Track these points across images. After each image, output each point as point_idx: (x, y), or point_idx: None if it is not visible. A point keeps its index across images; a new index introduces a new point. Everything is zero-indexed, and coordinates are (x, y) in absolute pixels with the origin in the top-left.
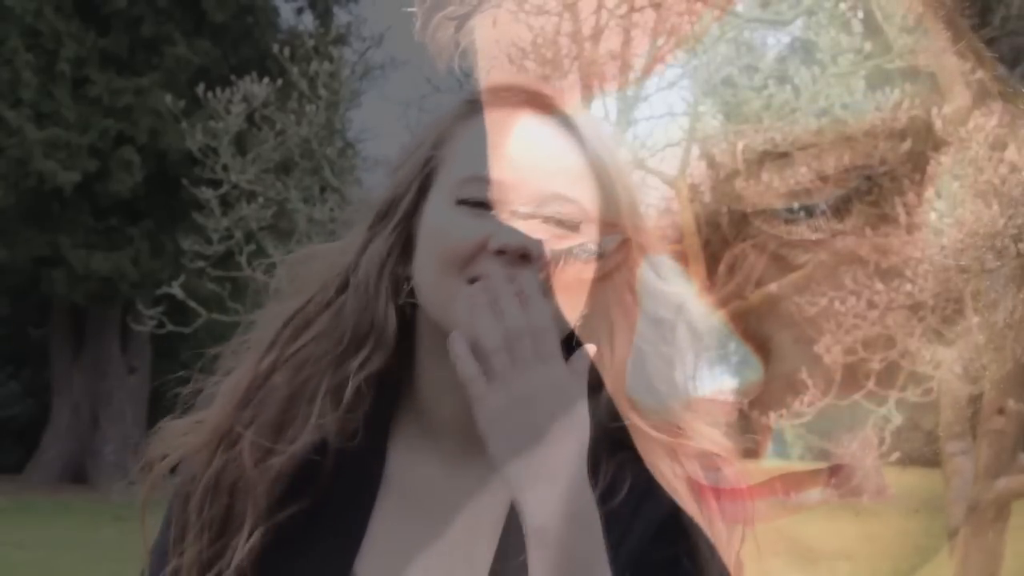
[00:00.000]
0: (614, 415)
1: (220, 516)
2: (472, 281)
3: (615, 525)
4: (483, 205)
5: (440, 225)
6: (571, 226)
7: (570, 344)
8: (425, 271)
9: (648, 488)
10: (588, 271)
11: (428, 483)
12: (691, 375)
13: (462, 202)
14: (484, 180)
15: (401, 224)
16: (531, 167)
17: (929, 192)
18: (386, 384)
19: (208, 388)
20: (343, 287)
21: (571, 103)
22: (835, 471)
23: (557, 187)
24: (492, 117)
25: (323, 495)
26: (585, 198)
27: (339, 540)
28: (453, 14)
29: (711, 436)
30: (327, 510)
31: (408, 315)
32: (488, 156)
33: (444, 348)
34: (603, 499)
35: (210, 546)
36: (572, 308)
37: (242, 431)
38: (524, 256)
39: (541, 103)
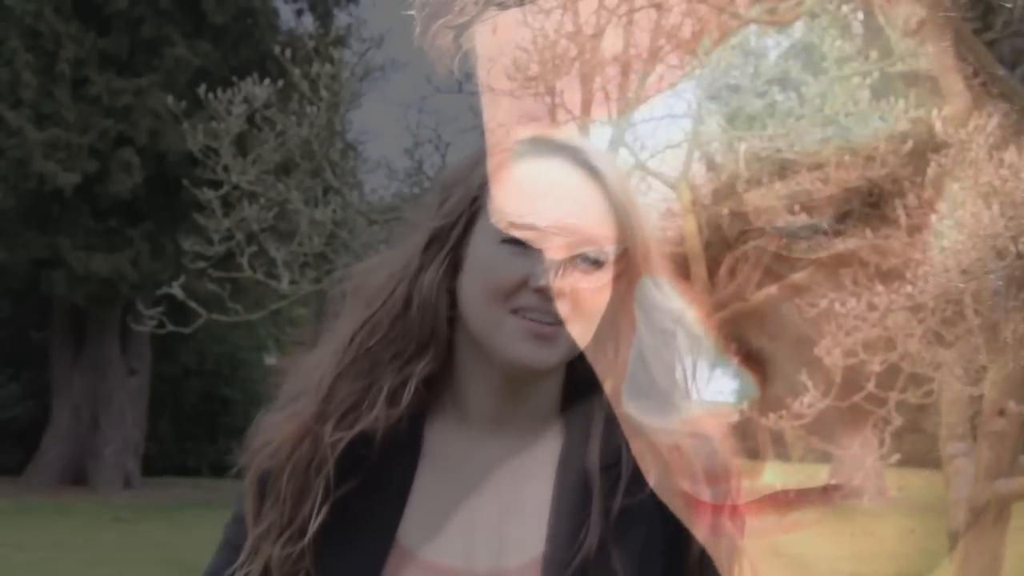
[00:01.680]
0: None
1: (296, 491)
2: (514, 311)
3: (641, 516)
4: (525, 245)
5: (488, 261)
6: (598, 264)
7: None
8: (472, 298)
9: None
10: (588, 280)
11: (460, 459)
12: (691, 379)
13: (507, 241)
14: (527, 225)
15: (452, 252)
16: (565, 213)
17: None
18: (427, 379)
19: (292, 381)
20: (408, 301)
21: (597, 153)
22: (827, 489)
23: (587, 231)
24: (530, 165)
25: (371, 472)
26: (609, 238)
27: (384, 509)
28: (452, 23)
29: (707, 443)
30: (374, 485)
31: (451, 325)
32: (529, 203)
33: (480, 354)
34: (629, 491)
35: (287, 517)
36: (591, 327)
37: (324, 420)
38: (558, 293)
39: (572, 154)
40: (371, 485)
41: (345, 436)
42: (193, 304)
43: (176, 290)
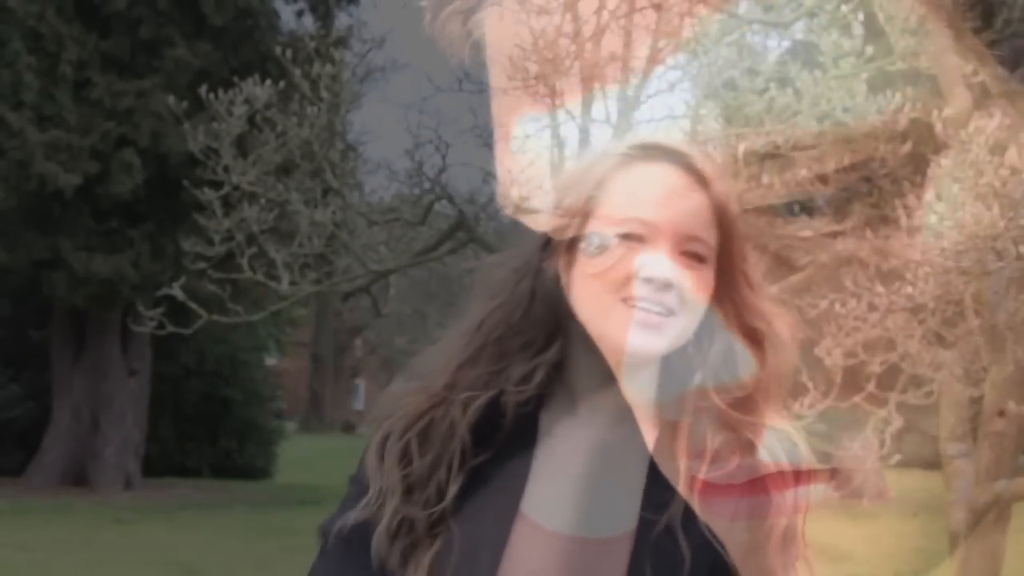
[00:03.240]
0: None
1: (432, 457)
2: (625, 300)
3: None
4: (638, 240)
5: (602, 254)
6: (701, 259)
7: None
8: (585, 289)
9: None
10: (693, 275)
11: (570, 439)
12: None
13: (621, 236)
14: (639, 221)
15: (569, 248)
16: (675, 212)
17: (930, 194)
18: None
19: (416, 364)
20: (532, 294)
21: (702, 159)
22: (835, 472)
23: (693, 229)
24: (642, 169)
25: (500, 448)
26: (711, 237)
27: (510, 481)
28: (460, 8)
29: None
30: (502, 459)
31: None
32: (641, 202)
33: (589, 344)
34: (710, 478)
35: (419, 479)
36: (694, 320)
37: (454, 397)
38: (667, 284)
39: (679, 159)
40: (500, 459)
41: (480, 404)
42: (193, 305)
43: (176, 291)
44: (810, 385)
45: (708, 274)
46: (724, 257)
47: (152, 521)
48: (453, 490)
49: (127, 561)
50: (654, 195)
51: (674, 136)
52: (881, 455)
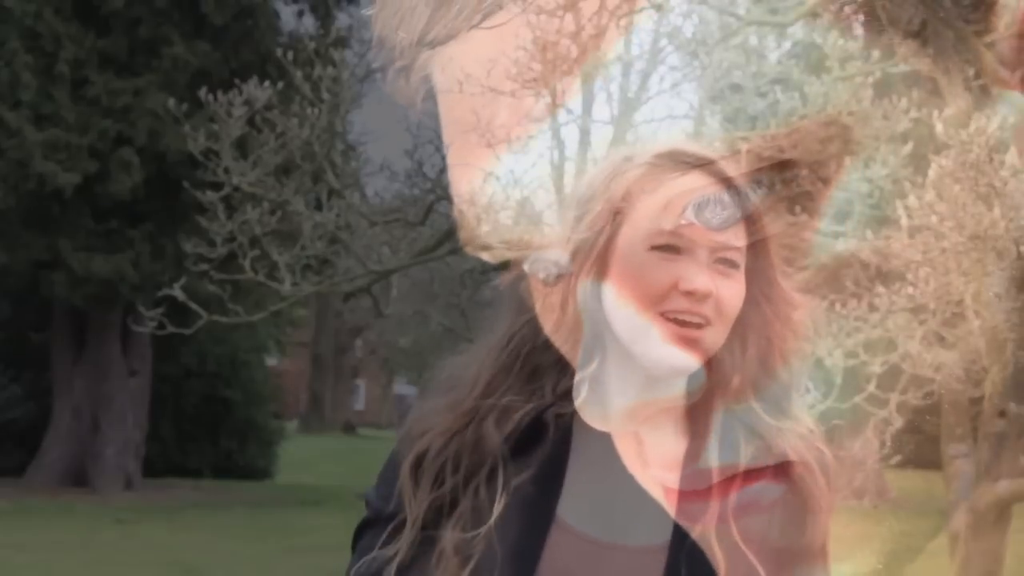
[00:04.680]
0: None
1: (464, 476)
2: (663, 314)
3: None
4: (673, 251)
5: (637, 267)
6: (735, 265)
7: None
8: (621, 304)
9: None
10: (728, 283)
11: (603, 448)
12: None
13: (655, 248)
14: (674, 232)
15: (598, 262)
16: (707, 221)
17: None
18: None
19: (442, 377)
20: (564, 307)
21: (728, 164)
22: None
23: (727, 237)
24: (671, 178)
25: (539, 462)
26: (743, 241)
27: (545, 489)
28: (400, 67)
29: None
30: (539, 472)
31: None
32: (675, 213)
33: (623, 355)
34: (744, 489)
35: (453, 500)
36: (728, 328)
37: (487, 412)
38: (706, 295)
39: (709, 167)
40: (537, 473)
41: (519, 420)
42: (194, 305)
43: (177, 291)
44: (811, 386)
45: (742, 279)
46: (755, 258)
47: (152, 521)
48: (497, 510)
49: (127, 562)
50: (687, 206)
51: (690, 140)
52: (882, 455)
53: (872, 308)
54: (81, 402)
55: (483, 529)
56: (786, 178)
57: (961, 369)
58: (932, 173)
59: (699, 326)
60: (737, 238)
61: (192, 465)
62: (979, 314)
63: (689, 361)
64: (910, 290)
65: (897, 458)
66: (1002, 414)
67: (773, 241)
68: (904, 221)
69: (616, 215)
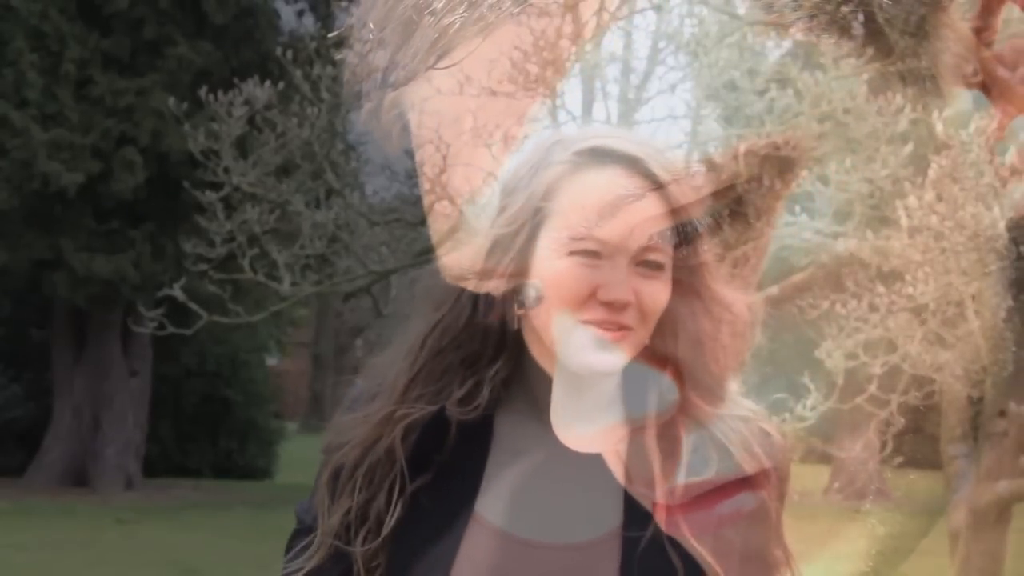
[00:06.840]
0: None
1: (371, 489)
2: (584, 323)
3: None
4: (592, 256)
5: (555, 273)
6: (659, 266)
7: None
8: (541, 308)
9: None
10: (652, 285)
11: (532, 443)
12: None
13: (574, 253)
14: (593, 238)
15: (516, 259)
16: (629, 224)
17: (930, 195)
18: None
19: (365, 380)
20: (475, 306)
21: (655, 160)
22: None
23: (649, 240)
24: (591, 176)
25: (443, 466)
26: (669, 241)
27: (460, 490)
28: (371, 108)
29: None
30: (446, 476)
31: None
32: (593, 214)
33: (549, 353)
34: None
35: (363, 513)
36: (653, 326)
37: (398, 420)
38: (625, 305)
39: (631, 164)
40: (443, 477)
41: (417, 425)
42: (194, 306)
43: (177, 291)
44: (812, 387)
45: (666, 279)
46: (683, 256)
47: (153, 521)
48: (391, 523)
49: (128, 561)
50: (606, 207)
51: (626, 136)
52: (883, 456)
53: (872, 308)
54: (81, 402)
55: (379, 540)
56: (725, 184)
57: (961, 369)
58: (932, 173)
59: (621, 332)
60: (661, 238)
61: (192, 465)
62: (979, 314)
63: (612, 363)
64: (910, 290)
65: (899, 459)
66: (1002, 414)
67: (705, 240)
68: (904, 221)
69: (536, 212)
